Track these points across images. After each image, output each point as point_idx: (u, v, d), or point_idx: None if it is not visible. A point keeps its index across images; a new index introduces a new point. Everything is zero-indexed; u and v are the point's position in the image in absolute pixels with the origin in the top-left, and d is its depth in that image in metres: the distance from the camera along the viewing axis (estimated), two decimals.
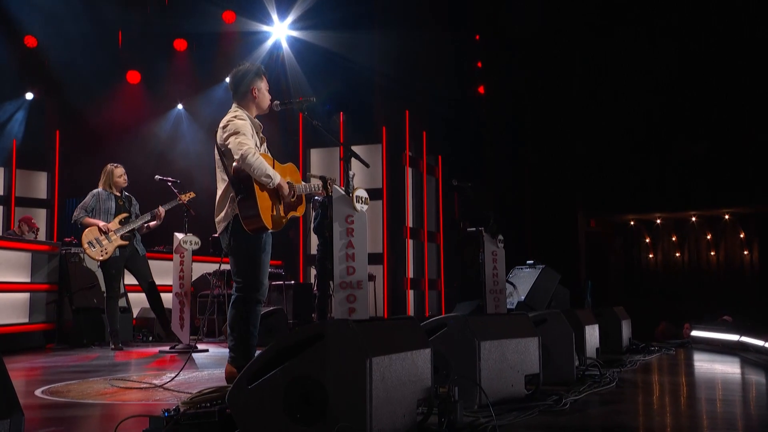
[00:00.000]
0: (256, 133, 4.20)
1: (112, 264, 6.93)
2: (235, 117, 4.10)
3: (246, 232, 3.98)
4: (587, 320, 5.04)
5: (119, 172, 7.12)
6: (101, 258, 6.87)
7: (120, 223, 6.98)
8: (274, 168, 4.08)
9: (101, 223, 6.89)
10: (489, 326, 3.49)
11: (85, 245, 6.88)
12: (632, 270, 15.21)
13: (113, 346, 7.01)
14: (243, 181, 3.97)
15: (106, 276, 6.99)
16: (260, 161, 3.90)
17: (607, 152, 12.86)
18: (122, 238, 6.95)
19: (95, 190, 7.08)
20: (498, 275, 6.89)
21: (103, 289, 7.30)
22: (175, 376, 4.52)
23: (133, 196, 7.31)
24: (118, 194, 7.10)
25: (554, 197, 12.37)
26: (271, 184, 3.97)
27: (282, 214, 4.13)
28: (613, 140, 12.81)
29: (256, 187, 3.94)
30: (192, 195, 6.99)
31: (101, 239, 6.87)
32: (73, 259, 7.92)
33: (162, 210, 7.00)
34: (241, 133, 3.97)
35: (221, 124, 4.10)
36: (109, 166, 7.17)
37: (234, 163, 3.97)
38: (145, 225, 7.07)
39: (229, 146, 3.99)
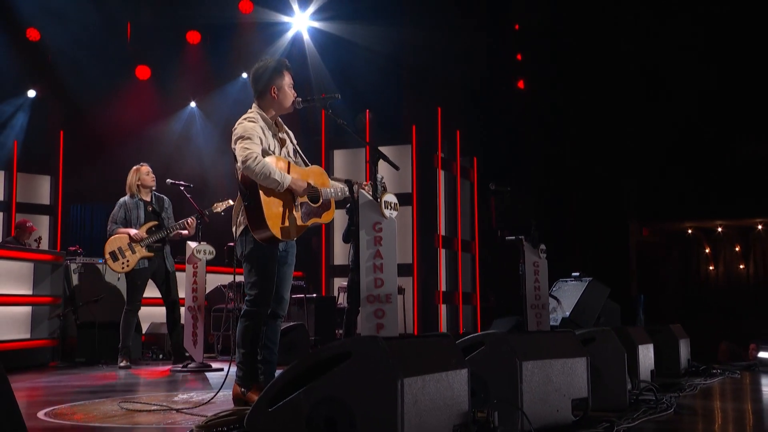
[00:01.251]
0: (275, 135, 4.25)
1: (138, 275, 7.07)
2: (245, 119, 4.17)
3: (258, 241, 4.04)
4: (641, 339, 4.99)
5: (145, 170, 7.24)
6: (122, 271, 7.07)
7: (147, 232, 7.10)
8: (290, 171, 4.12)
9: (133, 231, 7.03)
10: (531, 345, 3.47)
11: (107, 256, 7.02)
12: (690, 284, 15.02)
13: (123, 364, 7.09)
14: (249, 187, 4.04)
15: (130, 287, 7.14)
16: (263, 165, 3.94)
17: (663, 152, 12.74)
18: (148, 248, 7.06)
19: (122, 199, 7.20)
20: (540, 288, 6.85)
21: (111, 302, 7.39)
22: (204, 403, 4.55)
23: (165, 196, 7.37)
24: (147, 199, 7.21)
25: (603, 202, 12.30)
26: (279, 188, 4.02)
27: (300, 222, 4.17)
28: (670, 138, 12.68)
29: (261, 193, 4.00)
30: (229, 203, 6.77)
31: (125, 250, 7.01)
32: (79, 270, 8.04)
33: (192, 222, 7.09)
34: (245, 137, 4.04)
35: (233, 128, 4.18)
36: (133, 168, 7.28)
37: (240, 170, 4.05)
38: (175, 234, 7.18)
39: (235, 152, 4.06)
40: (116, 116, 11.73)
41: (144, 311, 8.40)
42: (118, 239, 7.00)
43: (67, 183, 12.17)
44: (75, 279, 8.08)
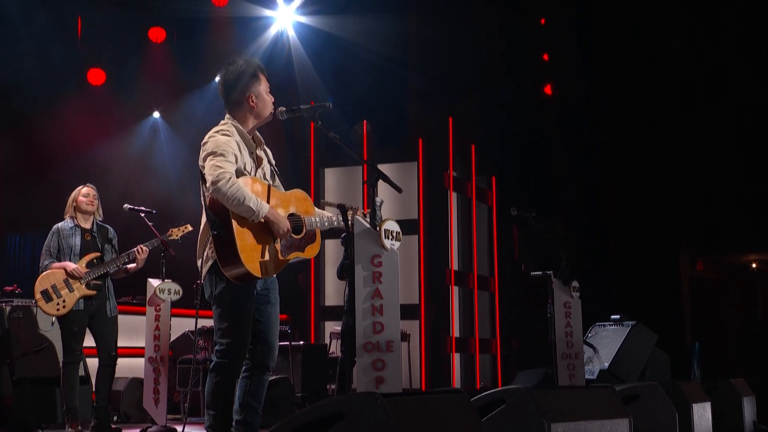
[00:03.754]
0: (251, 152, 4.28)
1: (74, 319, 6.81)
2: (217, 132, 4.21)
3: (230, 279, 4.06)
4: (695, 396, 4.98)
5: (84, 191, 7.01)
6: (58, 313, 6.77)
7: (88, 266, 6.90)
8: (269, 196, 4.15)
9: (71, 266, 6.81)
10: (562, 403, 3.47)
11: (38, 296, 6.75)
12: (755, 329, 14.98)
13: (70, 429, 7.02)
14: (218, 214, 4.05)
15: (66, 334, 6.90)
16: (236, 188, 3.96)
17: (720, 170, 12.75)
18: (88, 286, 6.84)
19: (56, 225, 7.01)
20: (573, 334, 6.86)
21: (56, 353, 7.34)
22: None
23: (109, 226, 7.25)
24: (86, 226, 7.04)
25: (648, 230, 12.31)
26: (254, 218, 4.03)
27: (280, 256, 4.19)
28: (728, 154, 12.71)
29: (233, 222, 4.02)
30: (188, 228, 6.93)
31: (60, 288, 6.77)
32: (15, 314, 7.98)
33: (145, 250, 7.00)
34: (218, 153, 4.07)
35: (202, 142, 4.21)
36: (76, 189, 7.18)
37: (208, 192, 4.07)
38: (123, 268, 7.05)
39: (203, 170, 4.09)
40: (63, 129, 11.70)
41: (93, 363, 8.36)
42: (52, 275, 6.78)
43: (3, 208, 12.14)
44: (10, 325, 8.03)
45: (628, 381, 7.48)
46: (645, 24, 12.35)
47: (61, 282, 6.79)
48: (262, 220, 4.08)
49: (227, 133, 4.20)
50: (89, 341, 7.21)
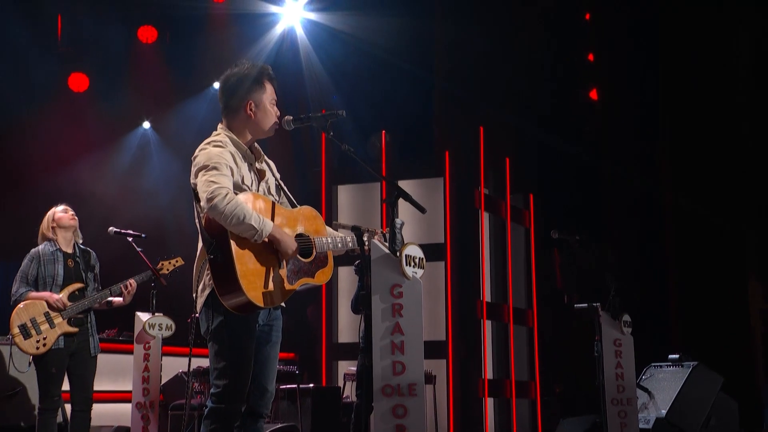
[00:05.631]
0: (251, 165, 4.31)
1: (53, 359, 6.75)
2: (209, 144, 4.25)
3: (229, 311, 4.08)
4: None
5: (62, 207, 6.99)
6: (37, 352, 6.68)
7: (69, 298, 6.84)
8: (273, 214, 4.16)
9: (54, 297, 6.75)
10: None
11: (15, 331, 6.67)
12: None
13: None
14: (216, 236, 4.07)
15: (42, 377, 6.85)
16: (233, 205, 3.98)
17: None
18: (70, 322, 6.80)
19: (34, 249, 6.97)
20: (624, 376, 6.83)
21: (32, 397, 7.37)
22: None
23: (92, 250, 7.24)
24: (68, 250, 7.00)
25: (712, 257, 12.22)
26: (256, 238, 4.05)
27: (286, 283, 4.20)
28: None
29: (233, 244, 4.03)
30: (179, 262, 7.02)
31: (40, 322, 6.68)
32: None
33: (133, 284, 6.97)
34: (211, 167, 4.10)
35: (192, 156, 4.24)
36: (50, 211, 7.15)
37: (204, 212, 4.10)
38: (107, 303, 7.01)
39: (196, 187, 4.13)
40: (41, 141, 11.77)
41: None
42: (31, 306, 6.70)
43: None
44: None
45: (690, 431, 7.42)
46: (714, 14, 12.24)
47: (41, 315, 6.70)
48: (266, 240, 4.09)
49: (219, 143, 4.24)
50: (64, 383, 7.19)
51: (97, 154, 12.14)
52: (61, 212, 6.99)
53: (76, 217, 7.07)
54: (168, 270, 6.99)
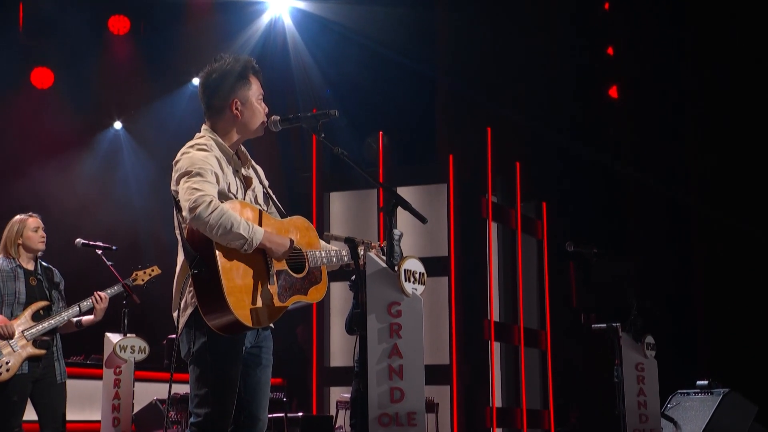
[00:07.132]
0: (236, 171, 4.35)
1: (15, 386, 6.73)
2: (192, 147, 4.27)
3: (214, 331, 4.09)
4: None
5: (33, 224, 6.93)
6: (0, 378, 6.79)
7: (33, 318, 6.83)
8: (261, 223, 4.18)
9: (7, 323, 6.67)
10: None
11: None
12: None
13: None
14: (199, 248, 4.08)
15: (2, 407, 6.86)
16: (219, 213, 3.99)
17: None
18: (35, 344, 6.78)
19: None
20: (647, 405, 6.84)
21: None
22: None
23: (54, 267, 7.21)
24: (29, 267, 6.98)
25: (744, 274, 12.24)
26: (246, 248, 4.07)
27: (277, 300, 4.22)
28: None
29: (219, 256, 4.04)
30: (156, 271, 7.02)
31: (1, 345, 6.63)
32: None
33: (104, 297, 6.97)
34: (194, 173, 4.12)
35: (174, 160, 4.27)
36: (15, 219, 7.13)
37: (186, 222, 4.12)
38: (76, 322, 7.03)
39: (177, 195, 4.16)
40: (2, 142, 11.78)
41: None
42: None
43: None
44: None
45: None
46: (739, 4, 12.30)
47: (1, 342, 6.68)
48: (257, 251, 4.11)
49: (204, 147, 4.25)
50: (29, 413, 7.20)
51: (62, 158, 12.09)
52: (31, 232, 6.92)
53: (45, 239, 7.01)
54: (144, 281, 6.98)
